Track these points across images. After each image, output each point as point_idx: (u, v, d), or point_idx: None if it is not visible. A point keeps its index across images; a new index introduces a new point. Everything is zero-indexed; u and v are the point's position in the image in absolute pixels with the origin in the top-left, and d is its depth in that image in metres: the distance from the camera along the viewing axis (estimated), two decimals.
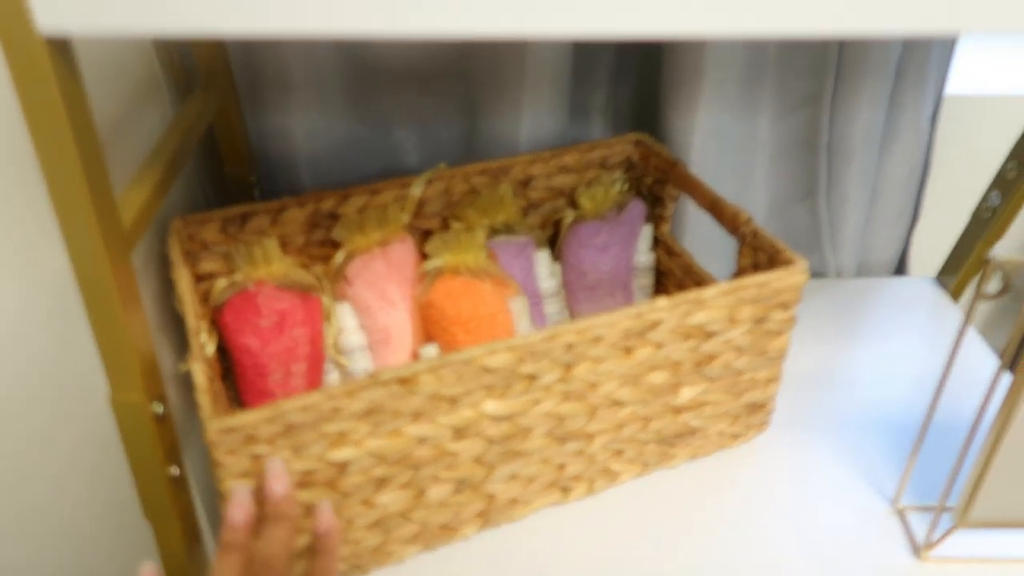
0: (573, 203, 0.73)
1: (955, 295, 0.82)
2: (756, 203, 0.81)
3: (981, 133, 0.85)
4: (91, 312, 0.40)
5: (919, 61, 0.73)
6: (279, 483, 0.45)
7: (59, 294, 0.47)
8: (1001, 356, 0.48)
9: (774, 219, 0.83)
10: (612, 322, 0.51)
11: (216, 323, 0.59)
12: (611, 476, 0.60)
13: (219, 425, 0.44)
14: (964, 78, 0.85)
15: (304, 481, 0.48)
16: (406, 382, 0.47)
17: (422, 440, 0.50)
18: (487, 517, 0.57)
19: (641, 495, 0.61)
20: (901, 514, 0.60)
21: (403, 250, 0.65)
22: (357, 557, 0.54)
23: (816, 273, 0.86)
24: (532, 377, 0.51)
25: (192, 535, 0.51)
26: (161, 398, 0.45)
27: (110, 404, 0.44)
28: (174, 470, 0.48)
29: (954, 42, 0.75)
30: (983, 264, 0.52)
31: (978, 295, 0.49)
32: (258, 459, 0.46)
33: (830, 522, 0.59)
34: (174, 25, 0.31)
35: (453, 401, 0.49)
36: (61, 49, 0.33)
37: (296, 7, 0.31)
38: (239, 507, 0.44)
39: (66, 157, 0.35)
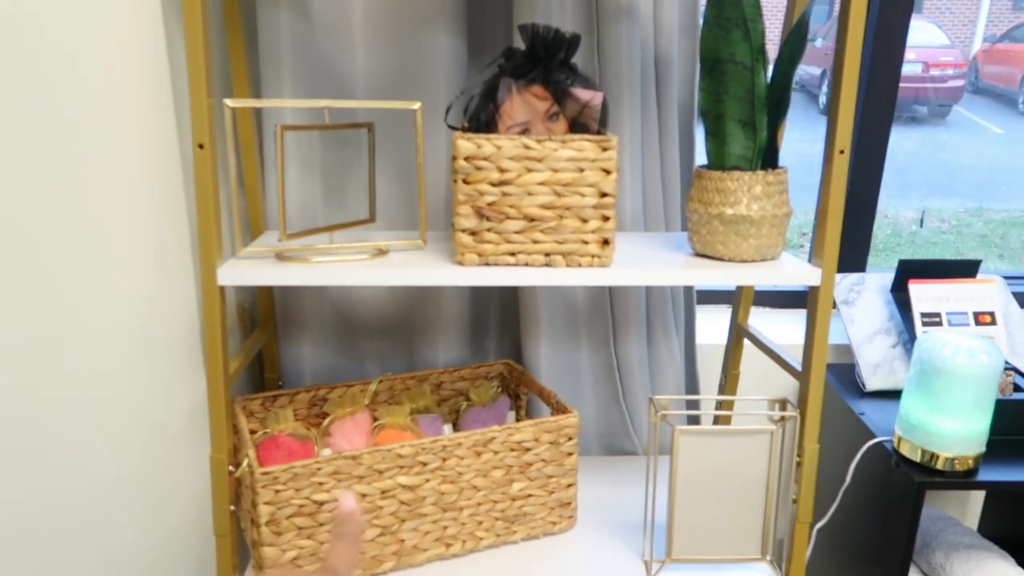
0: (467, 398, 1.22)
1: None
2: (583, 401, 1.30)
3: None
4: (212, 413, 0.89)
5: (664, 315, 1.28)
6: (349, 501, 0.55)
7: (199, 404, 0.95)
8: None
9: (600, 413, 1.31)
10: (467, 436, 0.98)
11: (256, 451, 1.05)
12: (476, 540, 1.02)
13: (262, 471, 0.89)
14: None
15: (298, 512, 0.92)
16: (355, 458, 0.93)
17: (363, 495, 0.94)
18: (400, 557, 0.98)
19: (495, 556, 1.02)
20: (647, 564, 1.01)
21: (363, 418, 1.12)
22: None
23: (629, 452, 1.32)
24: (424, 464, 0.97)
25: (235, 549, 0.93)
26: (231, 464, 0.91)
27: (209, 460, 0.90)
28: (232, 506, 0.92)
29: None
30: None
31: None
32: (278, 493, 0.90)
33: (609, 571, 1.00)
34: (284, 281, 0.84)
35: (380, 473, 0.95)
36: (222, 296, 0.86)
37: (322, 273, 0.84)
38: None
39: (215, 359, 0.86)
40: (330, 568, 0.54)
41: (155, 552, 1.00)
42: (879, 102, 1.37)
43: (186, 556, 1.05)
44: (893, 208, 4.73)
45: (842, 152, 0.89)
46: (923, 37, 7.09)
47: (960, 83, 6.85)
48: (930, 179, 5.31)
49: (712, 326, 1.40)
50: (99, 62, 0.83)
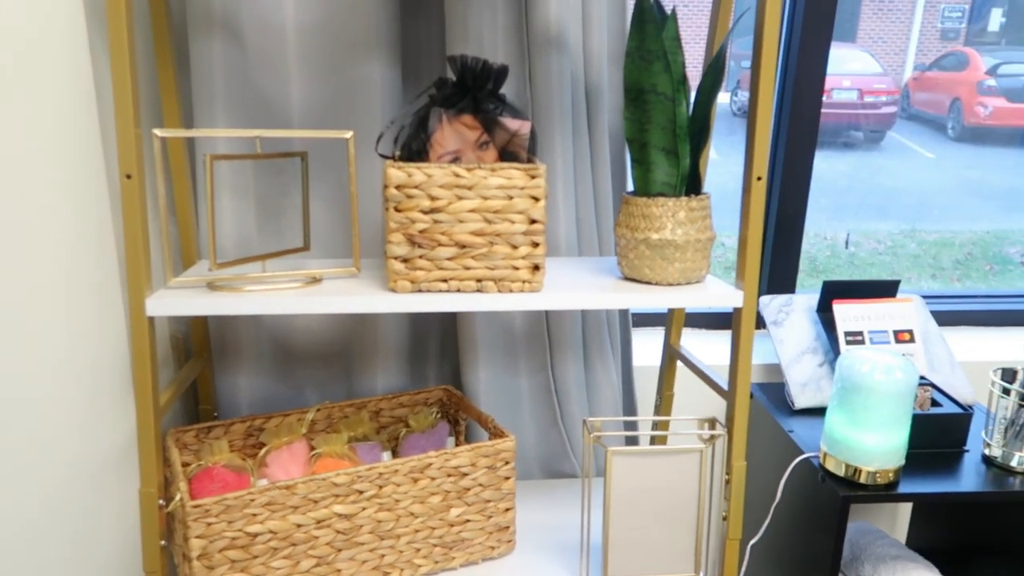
0: (407, 424, 1.22)
1: None
2: (523, 425, 1.31)
3: None
4: (141, 446, 0.87)
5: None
6: None
7: (129, 436, 0.93)
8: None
9: (539, 436, 1.32)
10: (403, 462, 0.98)
11: (189, 484, 1.04)
12: (414, 567, 1.02)
13: (193, 503, 0.88)
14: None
15: (231, 545, 0.90)
16: (289, 488, 0.92)
17: (298, 526, 0.94)
18: None
19: None
20: None
21: (300, 447, 1.12)
22: None
23: (569, 474, 1.33)
24: (360, 492, 0.97)
25: None
26: (162, 498, 0.90)
27: (139, 493, 0.88)
28: (163, 542, 0.90)
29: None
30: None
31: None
32: (210, 526, 0.89)
33: None
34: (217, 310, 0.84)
35: (315, 502, 0.94)
36: (151, 327, 0.85)
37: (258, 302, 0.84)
38: None
39: (144, 391, 0.85)
40: None
41: None
42: (803, 128, 1.43)
43: None
44: (832, 230, 4.88)
45: (759, 179, 0.93)
46: (858, 66, 7.37)
47: (893, 109, 7.13)
48: (866, 202, 5.50)
49: (648, 348, 1.43)
50: (24, 86, 0.83)
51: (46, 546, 0.93)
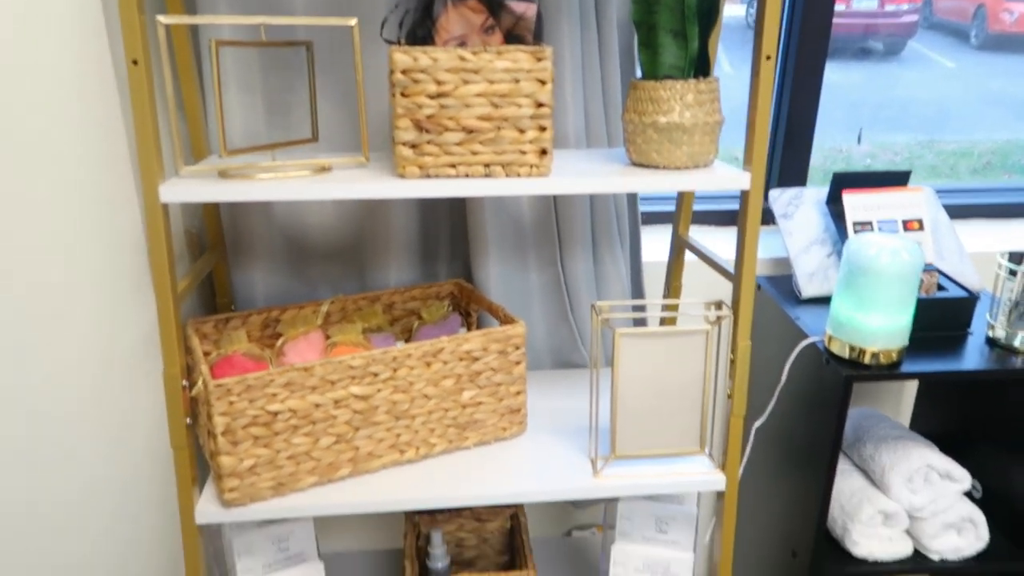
0: (419, 316, 1.25)
1: None
2: (533, 317, 1.33)
3: None
4: (162, 329, 0.90)
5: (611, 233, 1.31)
6: None
7: (152, 324, 0.97)
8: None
9: (550, 328, 1.35)
10: (416, 347, 1.01)
11: (211, 370, 1.07)
12: (429, 446, 1.07)
13: (216, 383, 0.91)
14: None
15: (253, 423, 0.94)
16: (307, 370, 0.96)
17: (316, 405, 0.97)
18: (355, 463, 1.02)
19: (448, 460, 1.07)
20: (592, 461, 1.06)
21: (316, 337, 1.15)
22: (277, 481, 0.98)
23: (579, 365, 1.36)
24: (375, 374, 1.00)
25: (195, 463, 0.96)
26: (185, 379, 0.93)
27: (163, 375, 0.92)
28: (188, 419, 0.94)
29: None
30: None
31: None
32: (232, 404, 0.93)
33: (558, 468, 1.05)
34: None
35: (332, 383, 0.98)
36: (166, 214, 0.87)
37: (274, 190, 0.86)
38: None
39: (162, 277, 0.87)
40: None
41: (121, 478, 1.02)
42: (814, 22, 1.39)
43: (152, 475, 1.08)
44: (847, 143, 4.80)
45: (768, 58, 0.92)
46: None
47: (915, 18, 6.91)
48: (884, 114, 5.38)
49: (656, 246, 1.44)
50: None
51: (86, 437, 0.98)
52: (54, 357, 0.95)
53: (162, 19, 0.90)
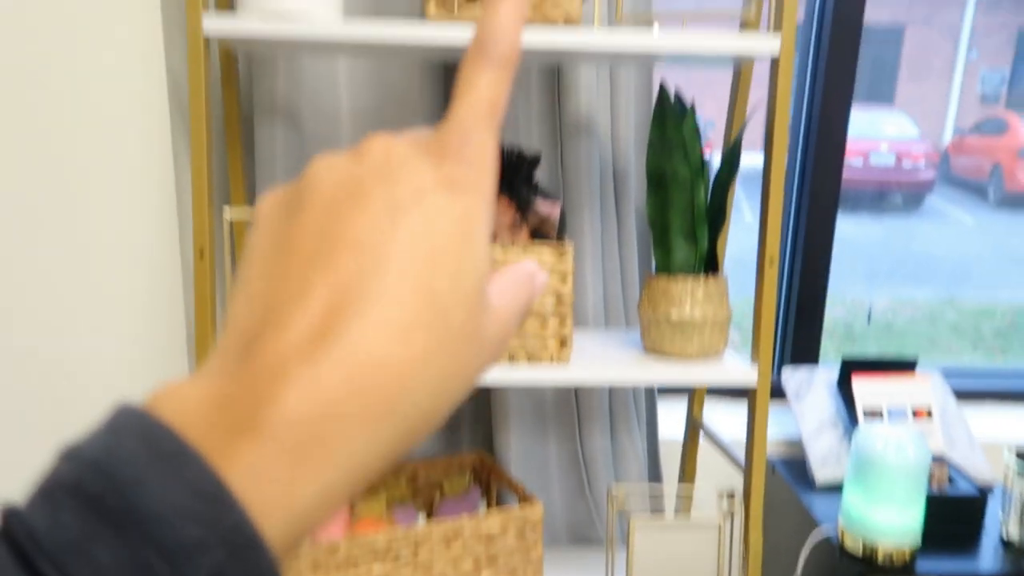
0: (441, 489, 1.28)
1: None
2: (551, 491, 1.36)
3: None
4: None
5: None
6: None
7: None
8: None
9: (567, 503, 1.37)
10: (438, 525, 1.04)
11: None
12: None
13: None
14: None
15: None
16: (333, 550, 0.99)
17: None
18: None
19: None
20: None
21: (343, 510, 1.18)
22: None
23: (596, 541, 1.37)
24: (397, 557, 1.03)
25: None
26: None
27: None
28: None
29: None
30: None
31: None
32: None
33: None
34: None
35: (356, 565, 1.01)
36: None
37: None
38: None
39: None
40: None
41: None
42: (825, 195, 1.48)
43: None
44: (868, 297, 4.87)
45: (771, 263, 0.99)
46: (895, 129, 7.43)
47: (931, 174, 7.15)
48: (903, 269, 5.48)
49: (673, 417, 1.48)
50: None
51: None
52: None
53: (228, 216, 1.00)
